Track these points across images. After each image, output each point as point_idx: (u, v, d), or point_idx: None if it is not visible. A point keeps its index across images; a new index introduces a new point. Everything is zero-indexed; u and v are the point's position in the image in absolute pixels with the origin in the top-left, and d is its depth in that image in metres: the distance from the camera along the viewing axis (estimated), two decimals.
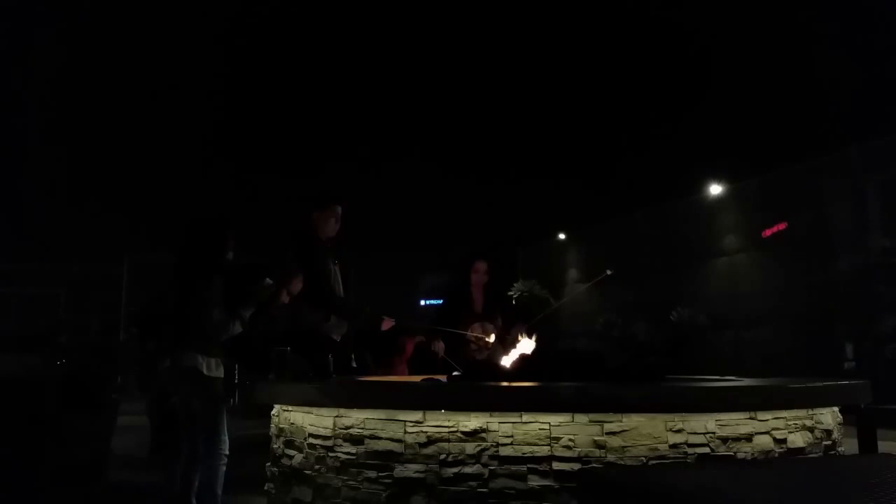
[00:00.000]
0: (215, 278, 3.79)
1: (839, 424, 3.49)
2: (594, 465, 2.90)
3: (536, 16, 18.36)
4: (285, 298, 3.96)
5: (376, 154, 19.01)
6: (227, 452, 3.66)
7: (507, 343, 4.82)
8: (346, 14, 18.64)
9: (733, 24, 15.42)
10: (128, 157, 18.80)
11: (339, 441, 3.31)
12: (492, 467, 2.97)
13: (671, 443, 2.96)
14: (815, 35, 13.41)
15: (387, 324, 4.75)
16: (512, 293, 5.28)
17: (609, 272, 5.23)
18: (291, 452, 3.62)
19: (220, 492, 3.63)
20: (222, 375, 3.77)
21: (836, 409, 3.48)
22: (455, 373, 4.12)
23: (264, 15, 18.59)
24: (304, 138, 19.01)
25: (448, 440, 3.05)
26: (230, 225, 3.97)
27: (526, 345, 4.38)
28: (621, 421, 2.96)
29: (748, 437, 3.06)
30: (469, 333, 5.13)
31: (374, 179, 18.55)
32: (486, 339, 5.07)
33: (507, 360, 4.35)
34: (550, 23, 18.35)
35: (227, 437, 3.70)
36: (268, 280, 3.95)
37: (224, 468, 3.64)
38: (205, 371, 3.66)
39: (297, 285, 4.08)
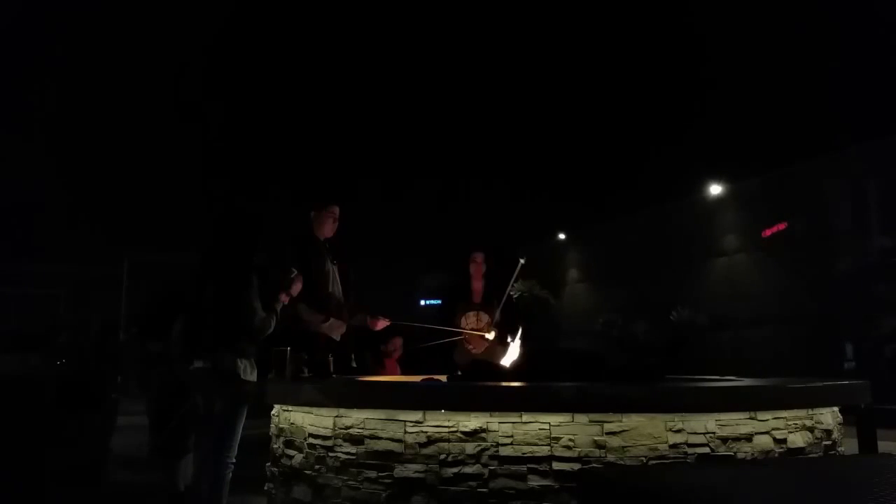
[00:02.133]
0: (252, 277, 3.72)
1: (839, 424, 3.49)
2: (594, 465, 2.91)
3: (535, 17, 18.38)
4: (285, 300, 3.94)
5: (376, 155, 19.02)
6: (234, 461, 3.61)
7: (502, 342, 4.83)
8: (348, 20, 18.66)
9: (733, 23, 15.43)
10: (128, 157, 18.80)
11: (339, 441, 3.31)
12: (492, 467, 2.97)
13: (671, 443, 2.96)
14: (816, 35, 13.41)
15: (381, 324, 4.74)
16: (512, 293, 5.31)
17: (522, 261, 5.23)
18: (291, 452, 3.62)
19: (224, 502, 3.60)
20: (255, 379, 3.69)
21: (836, 409, 3.48)
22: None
23: (267, 17, 18.61)
24: (303, 139, 19.01)
25: (448, 440, 3.05)
26: (261, 221, 3.92)
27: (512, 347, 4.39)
28: (621, 421, 2.96)
29: (748, 437, 3.06)
30: (464, 329, 5.14)
31: (373, 180, 18.55)
32: (484, 335, 5.07)
33: (505, 359, 4.36)
34: (549, 24, 18.36)
35: (236, 445, 3.65)
36: (293, 271, 3.95)
37: (230, 475, 3.61)
38: (242, 375, 3.61)
39: (297, 287, 4.08)
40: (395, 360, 6.46)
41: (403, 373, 6.08)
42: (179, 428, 4.16)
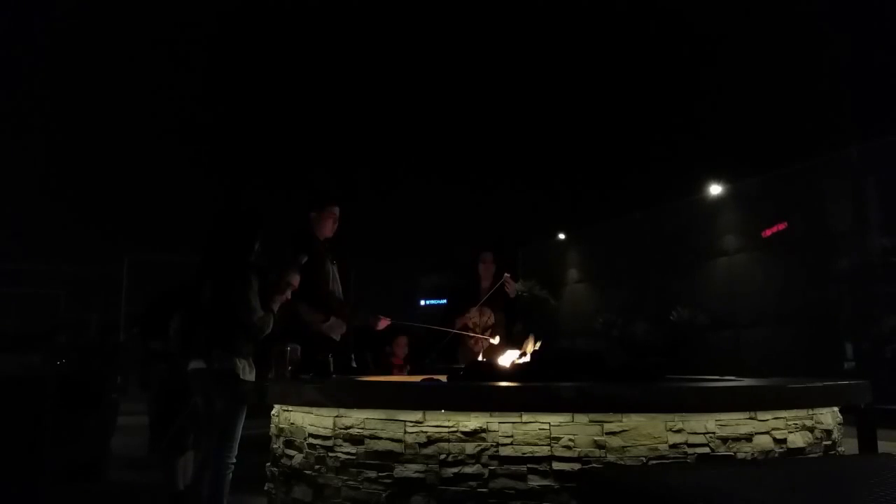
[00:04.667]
0: (251, 276, 3.70)
1: (839, 424, 3.49)
2: (594, 465, 2.90)
3: (534, 17, 18.37)
4: (284, 295, 3.93)
5: (376, 156, 19.02)
6: (234, 460, 3.61)
7: (510, 342, 4.82)
8: (345, 20, 18.65)
9: (734, 23, 15.43)
10: (128, 157, 18.80)
11: (339, 441, 3.31)
12: (492, 467, 2.97)
13: (671, 443, 2.96)
14: (816, 34, 13.41)
15: (383, 323, 4.73)
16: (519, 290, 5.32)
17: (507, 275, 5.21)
18: (291, 452, 3.61)
19: (226, 501, 3.61)
20: (253, 379, 3.70)
21: (836, 409, 3.47)
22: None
23: (264, 17, 18.60)
24: (304, 140, 19.01)
25: (448, 440, 3.05)
26: (260, 218, 3.89)
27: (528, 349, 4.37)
28: (621, 421, 2.96)
29: (748, 437, 3.06)
30: (468, 333, 5.13)
31: (373, 181, 18.55)
32: (488, 339, 5.06)
33: (506, 360, 4.35)
34: (548, 24, 18.35)
35: (237, 445, 3.65)
36: (301, 259, 3.95)
37: (230, 475, 3.62)
38: (241, 374, 3.61)
39: (295, 279, 4.07)
40: (401, 361, 6.43)
41: (410, 372, 6.05)
42: (179, 427, 4.16)
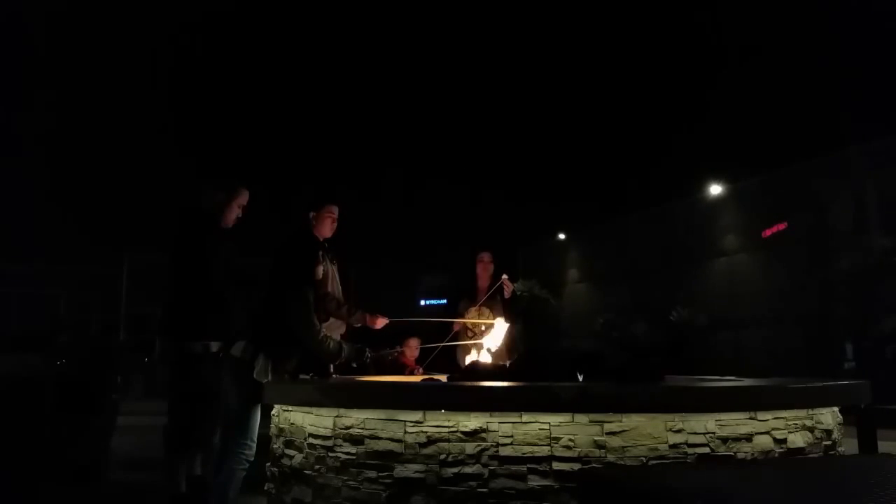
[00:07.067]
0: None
1: (839, 424, 3.49)
2: (594, 465, 2.90)
3: (534, 17, 18.37)
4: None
5: (376, 156, 19.02)
6: (252, 459, 3.66)
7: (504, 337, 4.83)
8: (346, 20, 18.65)
9: (733, 23, 15.43)
10: (127, 157, 18.79)
11: (339, 441, 3.31)
12: (492, 467, 2.97)
13: (671, 443, 2.96)
14: (816, 34, 13.41)
15: (380, 321, 4.72)
16: (516, 290, 5.36)
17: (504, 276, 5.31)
18: (291, 452, 3.62)
19: (233, 496, 3.65)
20: (265, 381, 3.79)
21: (836, 409, 3.48)
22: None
23: (265, 17, 18.60)
24: (303, 140, 19.00)
25: (448, 440, 3.05)
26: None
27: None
28: (621, 421, 2.96)
29: (748, 437, 3.06)
30: (470, 320, 5.15)
31: (373, 181, 18.55)
32: (490, 323, 5.08)
33: (499, 356, 4.37)
34: (548, 24, 18.35)
35: (252, 443, 3.71)
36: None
37: (243, 473, 3.66)
38: (254, 372, 3.71)
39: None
40: (412, 362, 6.42)
41: (410, 373, 6.05)
42: (209, 427, 4.17)
